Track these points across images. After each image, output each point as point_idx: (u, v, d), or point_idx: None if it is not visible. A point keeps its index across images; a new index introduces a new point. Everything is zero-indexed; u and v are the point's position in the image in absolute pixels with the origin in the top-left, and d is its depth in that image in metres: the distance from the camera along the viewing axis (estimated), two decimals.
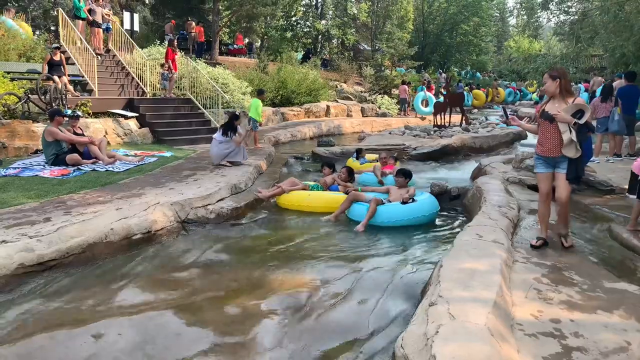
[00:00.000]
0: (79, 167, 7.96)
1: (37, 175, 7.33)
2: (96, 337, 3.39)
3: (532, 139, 14.05)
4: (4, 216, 5.05)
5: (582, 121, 4.26)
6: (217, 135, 8.65)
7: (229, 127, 8.59)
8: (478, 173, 8.79)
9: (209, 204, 6.26)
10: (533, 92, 33.96)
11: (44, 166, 7.91)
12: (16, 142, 8.91)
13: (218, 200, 6.47)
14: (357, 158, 10.02)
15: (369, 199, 6.26)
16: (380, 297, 4.12)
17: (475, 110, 26.01)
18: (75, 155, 8.09)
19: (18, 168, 7.67)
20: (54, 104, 10.03)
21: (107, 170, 7.91)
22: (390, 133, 14.88)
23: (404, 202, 6.20)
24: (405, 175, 6.60)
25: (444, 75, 23.85)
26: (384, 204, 6.24)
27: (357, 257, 5.06)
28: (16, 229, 4.61)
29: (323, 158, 10.67)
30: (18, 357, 3.15)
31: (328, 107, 19.62)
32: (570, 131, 4.25)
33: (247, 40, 29.19)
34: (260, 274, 4.59)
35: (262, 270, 4.68)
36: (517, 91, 35.25)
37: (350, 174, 7.45)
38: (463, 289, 3.21)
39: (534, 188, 7.17)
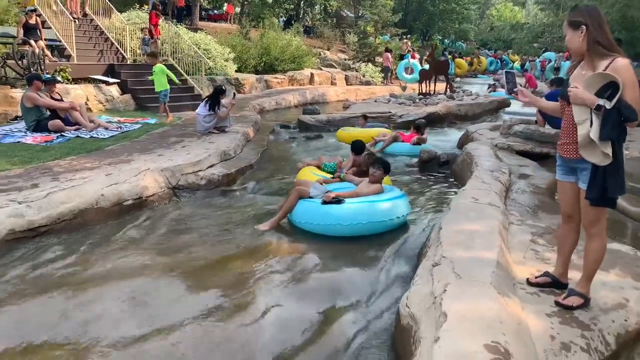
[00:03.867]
0: (62, 133, 7.74)
1: (19, 141, 7.11)
2: (91, 302, 3.34)
3: (516, 106, 14.18)
4: None
5: (610, 104, 2.48)
6: (200, 110, 8.37)
7: (214, 101, 8.35)
8: (465, 140, 8.82)
9: (199, 170, 6.17)
10: (515, 62, 34.07)
11: (25, 133, 7.68)
12: None
13: (208, 167, 6.38)
14: (363, 125, 9.74)
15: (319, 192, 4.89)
16: (378, 261, 4.15)
17: (458, 79, 25.99)
18: (58, 122, 7.87)
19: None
20: (32, 69, 9.67)
21: (91, 136, 7.71)
22: (375, 101, 14.78)
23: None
24: (384, 168, 4.97)
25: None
26: (341, 202, 4.60)
27: None
28: (4, 195, 4.48)
29: (311, 127, 10.59)
30: (15, 323, 3.10)
31: (312, 74, 19.36)
32: (591, 121, 2.55)
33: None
34: (255, 239, 4.55)
35: (256, 235, 4.65)
36: (499, 60, 35.31)
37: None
38: (465, 249, 3.24)
39: (523, 154, 7.27)
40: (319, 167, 6.38)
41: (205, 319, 3.21)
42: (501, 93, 15.52)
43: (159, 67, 9.54)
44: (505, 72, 3.19)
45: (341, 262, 4.10)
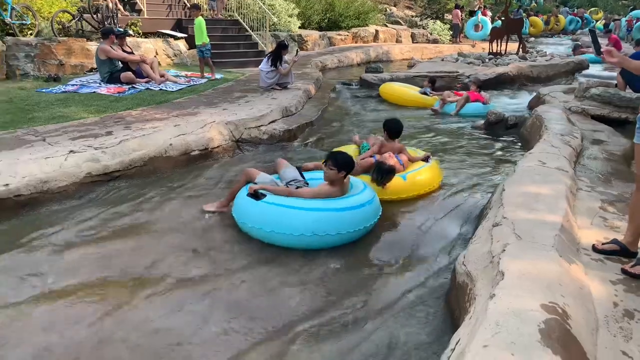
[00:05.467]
0: (133, 85, 8.08)
1: (94, 92, 7.51)
2: (155, 244, 3.57)
3: (594, 69, 13.25)
4: (68, 129, 5.24)
5: None
6: (262, 66, 8.44)
7: (276, 57, 8.36)
8: (536, 102, 8.39)
9: (261, 125, 6.29)
10: (598, 22, 31.49)
11: (99, 84, 8.07)
12: (72, 59, 9.07)
13: (270, 122, 6.48)
14: (428, 92, 9.21)
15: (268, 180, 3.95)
16: (435, 221, 4.12)
17: (532, 39, 24.47)
18: (130, 74, 8.20)
19: (76, 85, 7.86)
20: (105, 23, 10.05)
21: (160, 89, 8.01)
22: (442, 60, 14.24)
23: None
24: (338, 167, 3.62)
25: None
26: (259, 198, 3.62)
27: None
28: (82, 141, 4.78)
29: (373, 85, 10.41)
30: (102, 257, 3.37)
31: (377, 32, 18.86)
32: None
33: None
34: None
35: None
36: (579, 18, 32.75)
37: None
38: (528, 211, 3.15)
39: (598, 118, 6.83)
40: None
41: (263, 265, 3.36)
42: (589, 56, 14.50)
43: (198, 20, 9.28)
44: (590, 31, 3.01)
45: (399, 220, 4.12)
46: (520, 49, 15.46)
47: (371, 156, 4.72)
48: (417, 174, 4.66)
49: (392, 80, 10.59)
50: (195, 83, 8.76)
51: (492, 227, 2.99)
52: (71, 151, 4.48)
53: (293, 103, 7.44)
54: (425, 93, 9.17)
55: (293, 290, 3.06)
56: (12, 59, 8.31)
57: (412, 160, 4.93)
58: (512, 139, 6.93)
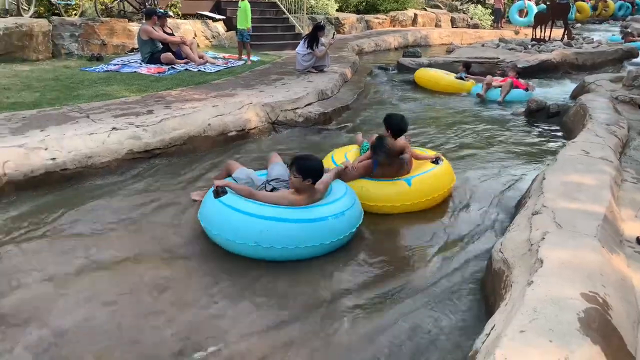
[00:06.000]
0: (173, 66, 8.21)
1: (135, 71, 7.68)
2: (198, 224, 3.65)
3: None
4: (111, 107, 5.38)
5: None
6: (299, 49, 8.43)
7: (312, 39, 8.34)
8: (580, 91, 8.11)
9: (297, 108, 6.31)
10: None
11: (140, 64, 8.24)
12: (114, 39, 9.27)
13: (306, 105, 6.49)
14: (464, 77, 9.02)
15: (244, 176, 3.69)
16: (470, 208, 4.07)
17: (578, 25, 23.53)
18: (170, 55, 8.34)
19: (118, 64, 8.05)
20: (147, 4, 10.22)
21: (199, 70, 8.12)
22: (482, 46, 13.89)
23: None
24: (302, 174, 3.19)
25: None
26: (219, 195, 3.24)
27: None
28: (124, 119, 4.91)
29: (410, 70, 10.26)
30: (141, 231, 3.48)
31: (415, 15, 18.52)
32: None
33: None
34: None
35: None
36: (630, 4, 31.23)
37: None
38: (569, 201, 3.08)
39: None
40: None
41: None
42: (638, 43, 13.88)
43: (244, 4, 9.24)
44: None
45: (437, 206, 4.09)
46: (566, 36, 14.92)
47: (370, 159, 3.98)
48: (425, 178, 3.96)
49: (429, 65, 10.41)
50: (232, 65, 8.84)
51: (532, 215, 2.93)
52: (114, 128, 4.61)
53: (329, 86, 7.42)
54: (461, 78, 8.99)
55: (332, 270, 3.10)
56: (57, 38, 8.57)
57: (418, 158, 4.26)
58: (553, 127, 6.74)
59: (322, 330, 2.55)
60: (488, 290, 2.75)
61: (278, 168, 3.77)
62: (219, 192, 3.23)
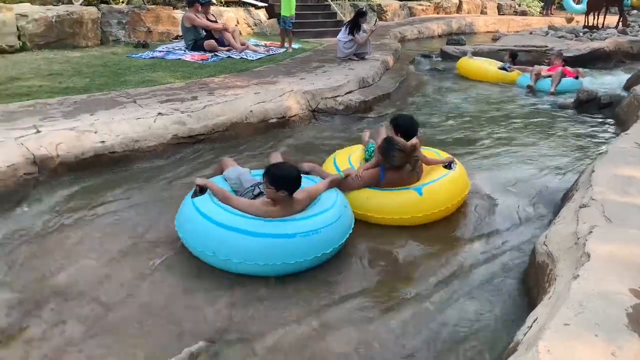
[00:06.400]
0: (216, 53, 8.33)
1: (179, 58, 7.84)
2: None
3: None
4: (157, 92, 5.53)
5: None
6: (341, 36, 8.37)
7: (354, 25, 8.27)
8: (635, 81, 7.72)
9: (338, 96, 6.29)
10: None
11: (184, 51, 8.40)
12: (159, 27, 9.48)
13: (346, 93, 6.47)
14: (507, 67, 8.70)
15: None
16: (511, 200, 3.98)
17: (634, 12, 22.38)
18: (213, 42, 8.46)
19: (163, 51, 8.24)
20: None
21: (241, 57, 8.21)
22: (530, 33, 13.44)
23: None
24: (274, 185, 2.85)
25: None
26: (196, 194, 3.07)
27: None
28: (169, 105, 5.04)
29: (454, 58, 10.04)
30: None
31: (460, 2, 18.08)
32: None
33: None
34: None
35: None
36: None
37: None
38: (620, 194, 2.96)
39: None
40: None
41: None
42: None
43: None
44: None
45: (473, 197, 4.01)
46: (620, 23, 14.23)
47: (377, 166, 3.55)
48: (438, 186, 3.54)
49: (474, 53, 10.16)
50: (274, 52, 8.89)
51: (579, 209, 2.84)
52: (159, 113, 4.73)
53: (370, 74, 7.36)
54: (504, 68, 8.72)
55: (370, 260, 3.11)
56: (105, 26, 8.83)
57: (428, 163, 3.81)
58: (604, 119, 6.47)
59: (367, 316, 2.56)
60: (530, 283, 2.69)
61: (240, 169, 3.48)
62: (197, 192, 3.03)
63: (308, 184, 3.25)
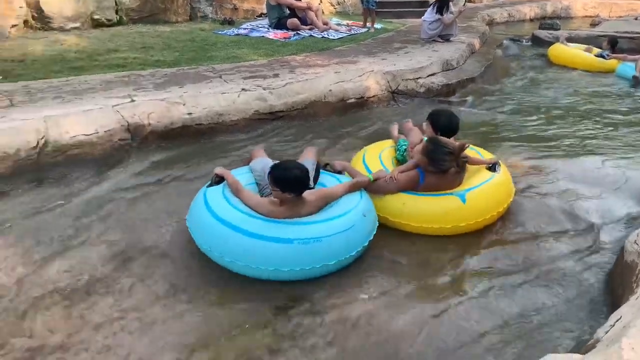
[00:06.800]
0: (298, 32, 8.41)
1: (263, 36, 8.00)
2: None
3: None
4: (241, 68, 5.70)
5: None
6: (427, 16, 8.12)
7: (442, 4, 7.97)
8: None
9: (419, 77, 6.16)
10: None
11: (268, 29, 8.55)
12: (245, 4, 9.72)
13: (429, 75, 6.31)
14: (606, 55, 8.05)
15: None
16: (599, 197, 3.73)
17: None
18: (296, 20, 8.54)
19: (247, 29, 8.44)
20: None
21: (322, 37, 8.23)
22: (636, 19, 12.34)
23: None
24: (279, 186, 2.67)
25: None
26: (211, 184, 3.00)
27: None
28: (252, 81, 5.18)
29: (546, 43, 9.46)
30: None
31: None
32: None
33: None
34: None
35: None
36: None
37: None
38: None
39: None
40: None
41: None
42: None
43: None
44: None
45: (553, 190, 3.81)
46: None
47: (415, 168, 3.18)
48: (483, 191, 3.17)
49: (568, 39, 9.51)
50: (355, 32, 8.83)
51: None
52: (243, 89, 4.88)
53: (455, 57, 7.12)
54: (601, 56, 8.09)
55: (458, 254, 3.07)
56: (194, 2, 9.17)
57: (472, 163, 3.38)
58: None
59: (449, 307, 2.55)
60: (615, 283, 2.55)
61: (266, 160, 3.24)
62: (213, 181, 2.96)
63: (334, 183, 3.07)
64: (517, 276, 2.79)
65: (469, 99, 6.17)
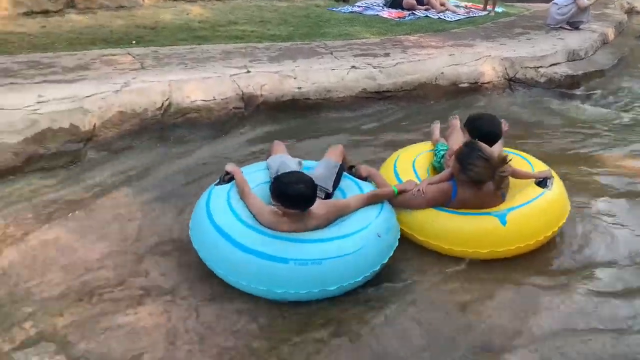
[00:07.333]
0: (413, 12, 8.19)
1: (377, 14, 7.91)
2: None
3: None
4: (353, 46, 5.69)
5: None
6: None
7: None
8: None
9: (540, 66, 5.74)
10: None
11: (382, 7, 8.43)
12: None
13: (551, 64, 5.85)
14: None
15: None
16: None
17: None
18: (412, 0, 8.32)
19: (361, 7, 8.38)
20: None
21: (439, 18, 7.95)
22: None
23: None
24: (280, 201, 2.36)
25: None
26: (220, 182, 2.76)
27: None
28: (362, 59, 5.15)
29: None
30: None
31: None
32: None
33: None
34: (589, 151, 4.16)
35: (592, 148, 4.22)
36: None
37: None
38: None
39: None
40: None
41: None
42: None
43: None
44: None
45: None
46: None
47: (449, 179, 2.77)
48: (528, 212, 2.70)
49: None
50: (474, 15, 8.42)
51: None
52: (353, 66, 4.88)
53: (583, 46, 6.53)
54: None
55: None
56: None
57: (517, 176, 2.87)
58: None
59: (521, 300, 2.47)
60: None
61: (323, 166, 2.88)
62: (222, 179, 2.72)
63: (354, 191, 2.72)
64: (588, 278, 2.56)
65: (596, 93, 5.65)
